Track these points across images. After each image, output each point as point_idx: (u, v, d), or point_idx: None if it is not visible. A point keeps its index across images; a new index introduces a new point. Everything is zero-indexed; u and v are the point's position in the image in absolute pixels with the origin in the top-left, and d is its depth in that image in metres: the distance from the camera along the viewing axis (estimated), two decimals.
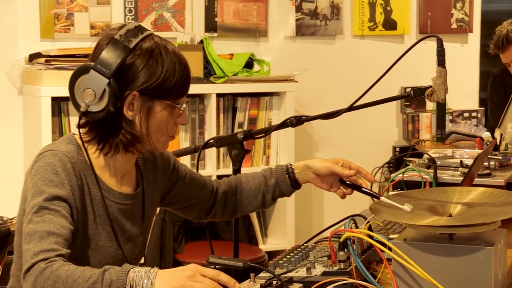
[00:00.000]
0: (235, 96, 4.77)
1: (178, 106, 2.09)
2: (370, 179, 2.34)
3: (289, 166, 2.42)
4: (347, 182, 2.35)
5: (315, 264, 2.11)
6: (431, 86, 2.29)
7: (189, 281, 1.78)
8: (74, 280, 1.83)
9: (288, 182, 2.41)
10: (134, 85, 2.03)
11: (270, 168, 2.41)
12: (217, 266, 1.95)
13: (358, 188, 2.34)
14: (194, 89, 4.47)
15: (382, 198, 2.14)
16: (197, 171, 2.56)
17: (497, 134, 3.70)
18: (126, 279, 1.82)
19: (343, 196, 2.39)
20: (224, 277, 1.82)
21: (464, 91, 5.40)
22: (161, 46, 2.07)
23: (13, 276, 2.17)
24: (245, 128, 4.75)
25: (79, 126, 2.06)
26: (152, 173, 2.26)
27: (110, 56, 2.01)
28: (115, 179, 2.13)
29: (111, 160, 2.11)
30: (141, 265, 1.92)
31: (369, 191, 2.28)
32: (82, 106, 2.03)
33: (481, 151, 3.03)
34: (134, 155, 2.14)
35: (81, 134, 2.06)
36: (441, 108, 2.33)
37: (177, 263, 4.15)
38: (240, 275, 2.08)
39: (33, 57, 4.32)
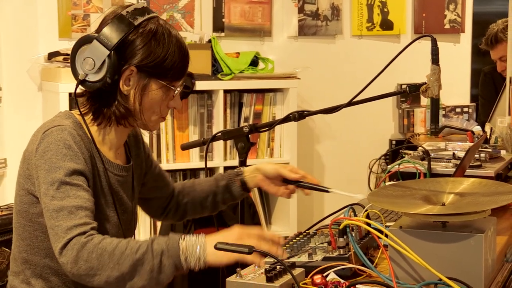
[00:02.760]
0: (241, 92, 4.77)
1: (173, 88, 2.07)
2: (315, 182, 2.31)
3: (239, 169, 2.35)
4: (292, 181, 2.33)
5: (316, 250, 2.10)
6: (425, 83, 2.28)
7: (238, 242, 1.83)
8: (122, 252, 1.79)
9: (238, 184, 2.32)
10: (132, 60, 2.01)
11: (222, 173, 2.37)
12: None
13: (304, 184, 2.32)
14: (202, 85, 4.51)
15: (332, 189, 2.12)
16: (206, 163, 2.56)
17: (487, 128, 3.69)
18: (178, 248, 1.81)
19: (289, 196, 2.35)
20: (268, 234, 1.92)
21: (456, 87, 5.39)
22: (165, 29, 2.04)
23: (15, 260, 2.10)
24: (251, 122, 4.75)
25: (76, 95, 2.05)
26: (135, 150, 2.26)
27: (114, 29, 1.99)
28: (112, 152, 2.12)
29: (106, 133, 2.09)
30: None
31: (315, 186, 2.31)
32: (81, 74, 2.00)
33: (472, 144, 3.02)
34: (126, 130, 2.13)
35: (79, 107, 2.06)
36: (435, 103, 2.32)
37: None
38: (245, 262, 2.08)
39: (51, 56, 4.32)
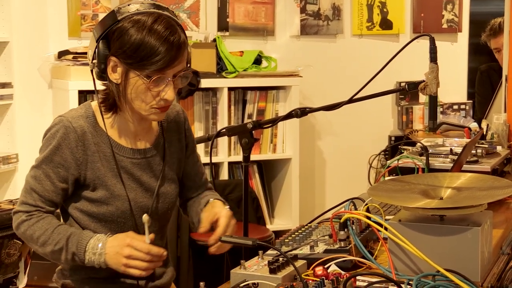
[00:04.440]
0: (245, 89, 4.77)
1: (148, 79, 2.01)
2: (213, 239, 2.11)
3: (209, 201, 2.26)
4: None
5: (318, 242, 2.10)
6: (424, 81, 2.28)
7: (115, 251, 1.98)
8: (45, 241, 2.04)
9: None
10: (113, 50, 2.03)
11: (209, 196, 2.30)
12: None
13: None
14: (207, 83, 4.51)
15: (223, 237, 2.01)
16: (211, 158, 2.56)
17: (483, 124, 3.68)
18: (85, 252, 2.01)
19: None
20: (155, 249, 1.98)
21: (453, 85, 5.38)
22: (148, 23, 2.00)
23: None
24: (254, 118, 4.75)
25: (95, 85, 2.11)
26: (175, 134, 2.27)
27: (102, 22, 2.05)
28: (126, 137, 2.16)
29: (119, 120, 2.14)
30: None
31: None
32: (90, 65, 2.09)
33: (469, 140, 3.02)
34: (139, 117, 2.14)
35: (98, 97, 2.13)
36: (433, 100, 2.32)
37: (192, 242, 4.15)
38: (250, 252, 2.08)
39: (61, 54, 4.32)
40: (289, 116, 2.49)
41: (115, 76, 2.06)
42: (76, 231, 2.06)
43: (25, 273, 3.65)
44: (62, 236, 2.04)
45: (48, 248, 2.05)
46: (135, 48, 1.99)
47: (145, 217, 1.98)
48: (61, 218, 2.19)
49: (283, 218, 4.92)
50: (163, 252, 2.00)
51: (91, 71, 2.10)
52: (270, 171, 4.98)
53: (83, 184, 2.11)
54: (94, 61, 2.06)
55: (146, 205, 2.17)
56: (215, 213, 2.16)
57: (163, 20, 2.01)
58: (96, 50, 2.04)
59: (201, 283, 1.83)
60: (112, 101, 2.11)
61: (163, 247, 2.18)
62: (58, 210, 2.18)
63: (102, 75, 2.07)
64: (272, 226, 4.84)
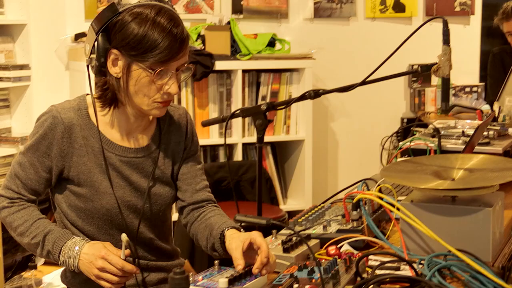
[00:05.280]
0: (259, 72, 4.76)
1: (152, 72, 1.94)
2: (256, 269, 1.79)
3: (224, 231, 2.00)
4: None
5: (331, 222, 2.10)
6: (436, 63, 2.27)
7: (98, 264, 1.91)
8: (22, 232, 2.02)
9: (219, 243, 2.00)
10: (114, 43, 1.95)
11: (221, 224, 2.04)
12: (242, 224, 1.95)
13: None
14: (221, 65, 4.51)
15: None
16: (225, 139, 2.54)
17: (495, 107, 3.66)
18: (59, 253, 1.97)
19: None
20: (128, 266, 1.90)
21: (466, 68, 5.34)
22: (151, 15, 1.94)
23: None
24: (268, 100, 4.74)
25: (89, 80, 2.03)
26: (175, 137, 2.17)
27: (102, 15, 1.97)
28: (119, 134, 2.08)
29: (113, 117, 2.07)
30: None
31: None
32: (86, 60, 2.01)
33: (481, 122, 3.00)
34: (136, 114, 2.06)
35: (93, 91, 2.06)
36: (446, 83, 2.30)
37: None
38: (263, 232, 2.08)
39: (78, 36, 4.32)
40: (302, 97, 2.48)
41: (115, 70, 1.97)
42: (55, 229, 2.01)
43: None
44: (40, 231, 2.00)
45: (25, 239, 2.02)
46: (139, 40, 1.92)
47: (123, 236, 1.88)
48: (53, 210, 2.15)
49: (296, 199, 4.93)
50: (135, 271, 1.91)
51: (87, 66, 2.01)
52: (284, 152, 4.98)
53: (67, 177, 2.05)
54: (92, 55, 1.97)
55: (135, 204, 2.08)
56: (245, 240, 1.86)
57: (165, 13, 1.95)
58: (96, 43, 1.96)
59: (216, 261, 1.84)
60: (110, 96, 2.02)
61: (162, 244, 2.16)
62: (52, 208, 2.15)
63: (101, 69, 1.98)
64: (285, 206, 4.85)
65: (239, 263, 1.79)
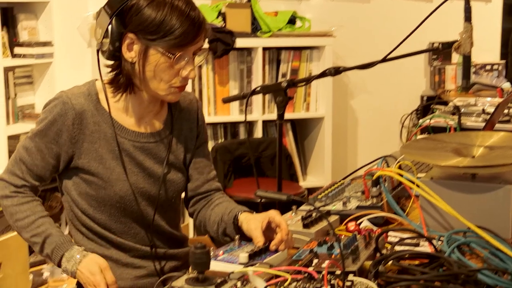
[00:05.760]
0: (279, 49, 4.74)
1: (172, 56, 1.90)
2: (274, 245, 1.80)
3: (237, 215, 1.98)
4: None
5: (350, 199, 2.10)
6: (457, 40, 2.24)
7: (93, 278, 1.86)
8: (23, 228, 1.97)
9: (232, 227, 2.00)
10: (131, 26, 1.90)
11: (232, 208, 2.03)
12: (262, 200, 1.95)
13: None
14: (242, 43, 4.50)
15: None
16: (245, 116, 2.54)
17: None
18: (61, 259, 1.92)
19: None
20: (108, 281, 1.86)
21: (486, 45, 5.29)
22: None
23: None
24: (288, 78, 4.73)
25: (99, 64, 1.99)
26: (186, 123, 2.14)
27: None
28: (131, 119, 2.03)
29: (124, 101, 2.02)
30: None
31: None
32: (96, 44, 1.96)
33: (502, 99, 2.97)
34: (150, 99, 2.03)
35: (104, 76, 2.00)
36: (467, 60, 2.28)
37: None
38: (283, 207, 2.08)
39: None
40: (323, 74, 2.47)
41: (130, 55, 1.92)
42: (55, 234, 1.94)
43: (66, 225, 3.70)
44: (41, 232, 1.95)
45: (24, 235, 1.96)
46: (157, 24, 1.87)
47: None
48: (60, 196, 2.11)
49: (316, 176, 4.93)
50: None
51: (97, 50, 1.96)
52: (303, 129, 4.98)
53: (78, 164, 2.00)
54: (105, 39, 1.92)
55: (148, 191, 2.04)
56: (263, 220, 1.86)
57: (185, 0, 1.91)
58: (109, 27, 1.90)
59: (236, 236, 1.84)
60: (123, 81, 1.97)
61: (174, 231, 2.12)
62: (60, 194, 2.11)
63: (115, 53, 1.93)
64: (305, 183, 4.85)
65: (259, 241, 1.80)
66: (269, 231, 1.84)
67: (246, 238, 1.88)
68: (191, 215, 2.21)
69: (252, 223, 1.88)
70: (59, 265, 1.94)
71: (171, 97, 1.99)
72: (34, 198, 2.01)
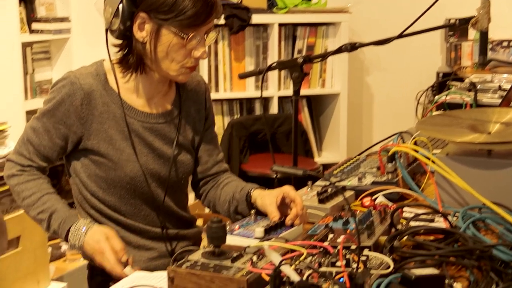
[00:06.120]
0: (295, 25, 4.72)
1: (185, 36, 1.88)
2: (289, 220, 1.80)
3: (250, 192, 1.98)
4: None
5: (366, 174, 2.10)
6: (475, 16, 2.22)
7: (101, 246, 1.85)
8: (29, 205, 1.95)
9: (245, 204, 2.00)
10: (143, 6, 1.88)
11: (244, 186, 2.04)
12: (277, 175, 1.95)
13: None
14: (258, 19, 4.48)
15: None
16: (261, 91, 2.54)
17: None
18: (67, 234, 1.90)
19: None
20: (118, 272, 1.83)
21: (503, 22, 5.23)
22: None
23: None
24: (304, 54, 4.71)
25: (107, 44, 1.97)
26: (194, 104, 2.12)
27: None
28: (140, 100, 2.01)
29: (134, 81, 2.00)
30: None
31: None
32: (106, 23, 1.94)
33: None
34: (159, 79, 2.01)
35: (113, 56, 1.98)
36: (483, 36, 2.27)
37: (242, 173, 4.18)
38: (299, 183, 2.08)
39: None
40: (339, 50, 2.46)
41: (142, 34, 1.90)
42: (61, 209, 1.93)
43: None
44: (47, 207, 1.93)
45: (31, 212, 1.95)
46: (170, 4, 1.85)
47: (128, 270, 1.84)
48: (68, 178, 2.08)
49: (331, 152, 4.92)
50: (123, 276, 1.81)
51: (106, 30, 1.94)
52: (319, 105, 4.97)
53: (87, 145, 1.97)
54: (115, 18, 1.90)
55: (158, 172, 2.02)
56: (278, 195, 1.85)
57: None
58: (120, 6, 1.88)
59: (252, 211, 1.85)
60: (134, 61, 1.95)
61: (183, 212, 2.11)
62: (68, 176, 2.08)
63: (125, 33, 1.91)
64: (320, 159, 4.85)
65: (275, 216, 1.80)
66: (283, 206, 1.84)
67: (260, 214, 1.88)
68: (199, 196, 2.21)
69: (267, 198, 1.88)
70: (66, 240, 1.92)
71: (182, 77, 1.97)
72: (40, 176, 1.99)
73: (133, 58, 1.95)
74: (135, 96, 2.01)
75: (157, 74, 1.98)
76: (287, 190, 1.85)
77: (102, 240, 1.85)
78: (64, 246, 3.13)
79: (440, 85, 4.21)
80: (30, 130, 1.98)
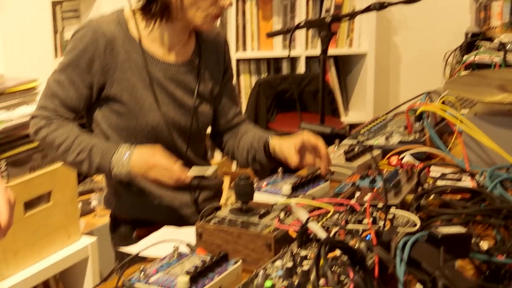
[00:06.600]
0: None
1: None
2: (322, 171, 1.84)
3: (268, 140, 1.99)
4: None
5: (393, 133, 2.08)
6: None
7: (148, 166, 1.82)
8: (65, 151, 1.89)
9: (263, 153, 2.00)
10: None
11: (261, 135, 2.04)
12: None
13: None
14: None
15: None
16: (289, 50, 2.52)
17: None
18: (110, 162, 1.84)
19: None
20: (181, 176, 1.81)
21: None
22: None
23: None
24: (331, 13, 4.66)
25: None
26: (213, 55, 2.10)
27: None
28: (161, 49, 1.99)
29: (157, 31, 1.96)
30: None
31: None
32: None
33: None
34: (181, 28, 1.98)
35: (134, 5, 1.96)
36: None
37: (267, 129, 4.18)
38: (325, 142, 2.07)
39: None
40: (367, 9, 2.43)
41: None
42: (99, 142, 1.89)
43: None
44: (85, 146, 1.87)
45: (69, 157, 1.88)
46: None
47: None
48: (88, 131, 2.04)
49: (358, 111, 4.90)
50: (183, 179, 1.81)
51: None
52: (346, 65, 4.93)
53: (109, 94, 1.94)
54: None
55: (178, 122, 2.00)
56: (296, 140, 1.85)
57: None
58: None
59: (279, 168, 1.84)
60: (157, 10, 1.91)
61: (203, 162, 2.09)
62: (89, 130, 2.04)
63: None
64: (347, 118, 4.83)
65: (294, 159, 1.81)
66: (303, 152, 1.84)
67: (276, 163, 1.87)
68: (218, 147, 2.21)
69: (285, 143, 1.89)
70: (111, 174, 1.86)
71: (207, 26, 1.96)
72: (68, 122, 1.92)
73: (156, 7, 1.92)
74: (156, 45, 1.99)
75: (180, 23, 1.96)
76: (307, 136, 1.85)
77: (150, 156, 1.82)
78: (94, 202, 3.16)
79: (469, 45, 4.15)
80: (54, 83, 1.93)
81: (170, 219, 1.92)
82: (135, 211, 2.04)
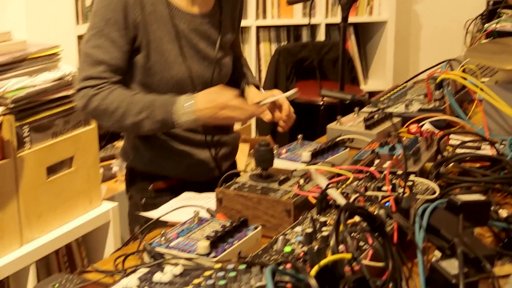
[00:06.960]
0: None
1: None
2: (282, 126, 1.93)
3: (243, 88, 2.07)
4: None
5: (413, 101, 2.07)
6: None
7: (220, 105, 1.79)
8: (124, 113, 1.80)
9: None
10: None
11: (244, 79, 2.12)
12: (323, 101, 1.94)
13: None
14: None
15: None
16: (309, 18, 2.50)
17: None
18: (173, 119, 1.78)
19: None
20: (257, 111, 1.82)
21: None
22: None
23: None
24: None
25: None
26: (230, 6, 2.06)
27: None
28: (184, 0, 1.94)
29: None
30: None
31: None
32: None
33: None
34: None
35: None
36: None
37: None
38: (345, 109, 2.06)
39: None
40: None
41: None
42: (156, 97, 1.82)
43: None
44: (143, 105, 1.80)
45: (128, 119, 1.80)
46: None
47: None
48: None
49: (377, 79, 4.87)
50: (259, 112, 1.83)
51: None
52: (366, 33, 4.88)
53: (137, 48, 1.88)
54: None
55: (202, 74, 1.96)
56: (259, 98, 1.92)
57: None
58: None
59: (299, 136, 1.84)
60: None
61: None
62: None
63: None
64: (366, 87, 4.80)
65: (266, 116, 1.89)
66: (273, 109, 1.91)
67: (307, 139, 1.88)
68: None
69: (250, 96, 2.00)
70: (175, 125, 1.80)
71: None
72: (117, 86, 1.85)
73: None
74: None
75: None
76: (276, 94, 1.91)
77: (218, 97, 1.78)
78: (115, 168, 3.18)
79: (490, 13, 4.09)
80: (94, 49, 1.84)
81: (188, 174, 1.93)
82: (153, 165, 2.01)
